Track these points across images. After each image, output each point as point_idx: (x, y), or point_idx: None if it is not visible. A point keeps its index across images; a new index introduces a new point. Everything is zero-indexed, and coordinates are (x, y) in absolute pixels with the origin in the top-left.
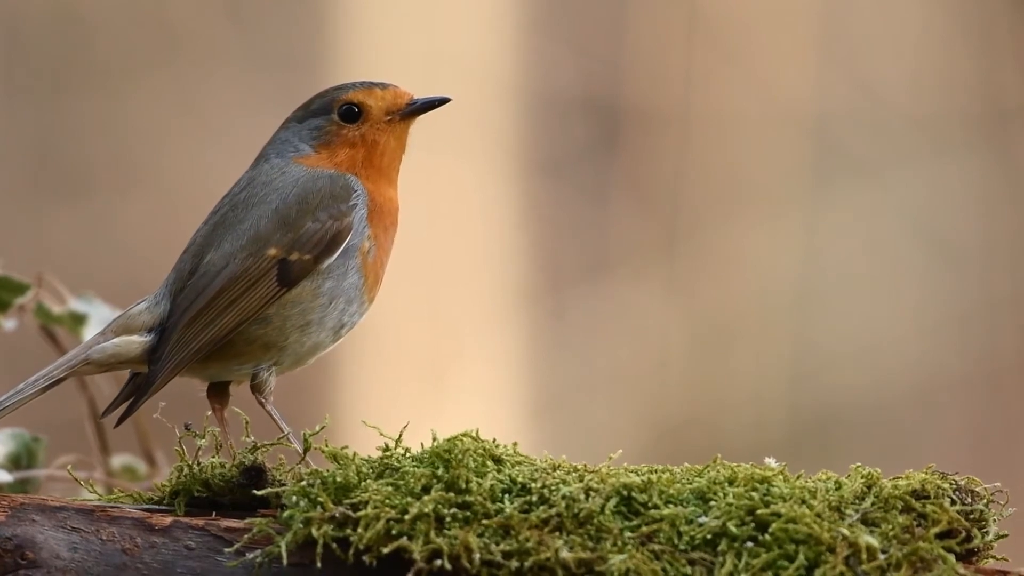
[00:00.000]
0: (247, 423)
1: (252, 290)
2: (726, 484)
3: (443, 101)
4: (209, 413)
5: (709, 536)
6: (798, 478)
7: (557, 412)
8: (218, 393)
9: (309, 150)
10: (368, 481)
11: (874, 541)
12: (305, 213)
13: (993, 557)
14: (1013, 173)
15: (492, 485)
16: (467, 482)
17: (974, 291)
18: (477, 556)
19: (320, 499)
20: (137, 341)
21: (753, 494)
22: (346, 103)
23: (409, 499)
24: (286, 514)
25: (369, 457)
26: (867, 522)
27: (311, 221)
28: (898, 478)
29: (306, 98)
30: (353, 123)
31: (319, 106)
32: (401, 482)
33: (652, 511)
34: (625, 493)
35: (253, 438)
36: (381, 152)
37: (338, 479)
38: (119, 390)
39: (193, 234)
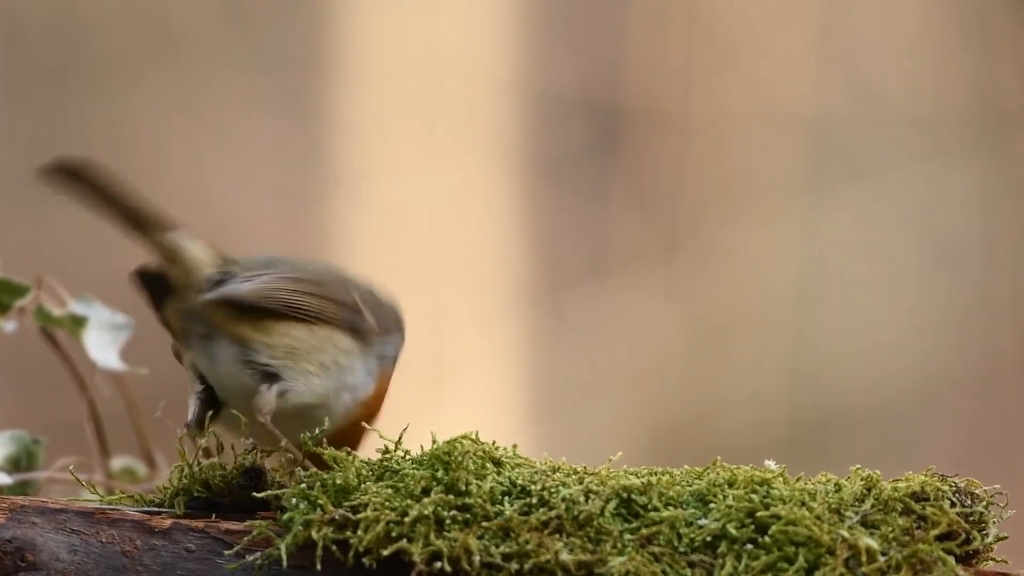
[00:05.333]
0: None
1: (334, 304)
2: (726, 486)
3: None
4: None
5: (709, 538)
6: (798, 480)
7: (557, 412)
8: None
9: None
10: (368, 483)
11: (874, 543)
12: (380, 305)
13: (993, 559)
14: (1013, 173)
15: (492, 487)
16: (467, 484)
17: (973, 291)
18: (477, 558)
19: (320, 501)
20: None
21: (753, 496)
22: None
23: (409, 501)
24: (286, 516)
25: (368, 459)
26: (867, 524)
27: (382, 313)
28: (898, 480)
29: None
30: None
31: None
32: (401, 484)
33: (652, 513)
34: (625, 495)
35: (253, 439)
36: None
37: (338, 481)
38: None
39: None
